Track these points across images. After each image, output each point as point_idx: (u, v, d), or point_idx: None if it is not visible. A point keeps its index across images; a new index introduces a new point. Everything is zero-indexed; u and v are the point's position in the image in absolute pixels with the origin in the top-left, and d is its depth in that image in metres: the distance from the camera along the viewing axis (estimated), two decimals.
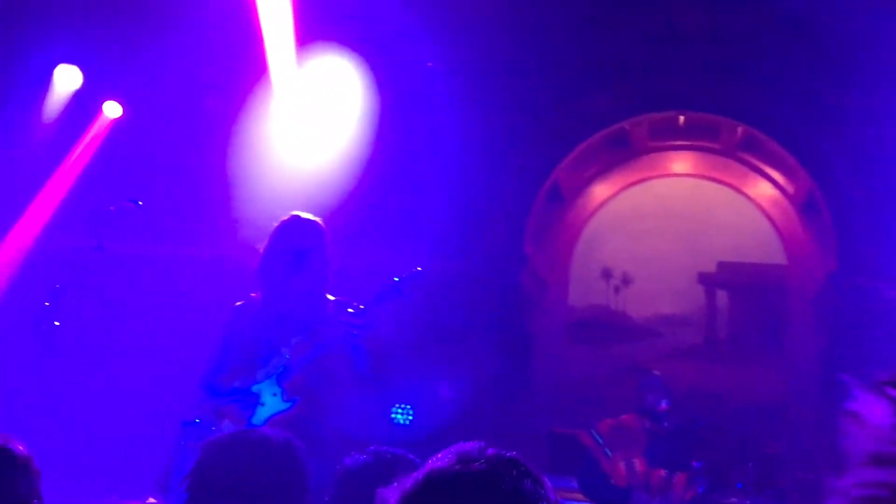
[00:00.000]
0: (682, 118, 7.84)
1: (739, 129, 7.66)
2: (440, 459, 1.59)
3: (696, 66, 7.27)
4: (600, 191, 8.25)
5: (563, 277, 8.12)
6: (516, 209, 7.48)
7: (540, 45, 7.24)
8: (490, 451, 1.58)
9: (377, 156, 7.20)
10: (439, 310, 7.01)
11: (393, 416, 7.17)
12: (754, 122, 7.42)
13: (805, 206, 7.65)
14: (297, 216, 4.42)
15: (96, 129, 7.36)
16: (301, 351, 4.27)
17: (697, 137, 8.00)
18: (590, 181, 8.20)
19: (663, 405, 6.29)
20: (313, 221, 4.41)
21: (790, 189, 7.78)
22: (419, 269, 4.24)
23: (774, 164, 7.80)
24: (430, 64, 7.30)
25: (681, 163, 8.19)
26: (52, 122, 7.35)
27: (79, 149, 7.32)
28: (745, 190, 8.02)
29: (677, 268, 7.98)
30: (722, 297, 8.01)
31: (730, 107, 7.41)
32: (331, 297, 4.32)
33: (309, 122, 7.18)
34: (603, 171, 8.19)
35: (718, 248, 7.98)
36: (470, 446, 1.60)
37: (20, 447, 1.97)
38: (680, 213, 8.06)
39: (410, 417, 7.16)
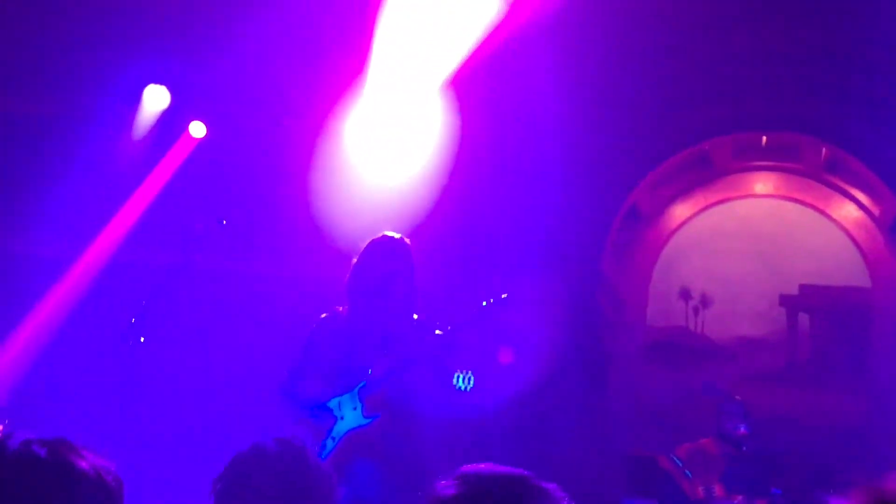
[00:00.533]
0: (764, 138, 7.84)
1: (823, 150, 7.62)
2: (446, 487, 1.67)
3: (778, 85, 7.27)
4: (680, 211, 8.24)
5: (642, 298, 8.13)
6: (595, 229, 7.52)
7: (622, 67, 7.25)
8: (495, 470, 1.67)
9: (458, 176, 7.24)
10: (525, 328, 7.03)
11: (455, 383, 7.19)
12: (839, 143, 7.39)
13: (891, 229, 7.61)
14: (388, 236, 4.47)
15: (180, 147, 7.49)
16: (384, 368, 4.30)
17: (780, 158, 7.99)
18: (670, 201, 8.21)
19: (742, 430, 6.33)
20: (403, 241, 4.46)
21: (875, 211, 7.73)
22: (505, 295, 4.26)
23: (859, 185, 7.76)
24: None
25: (763, 183, 8.15)
26: (140, 140, 7.52)
27: (162, 166, 7.47)
28: (829, 211, 7.99)
29: (758, 290, 7.97)
30: (804, 320, 7.98)
31: (813, 126, 7.39)
32: (416, 317, 4.37)
33: (393, 140, 7.26)
34: (683, 191, 8.19)
35: (800, 271, 7.96)
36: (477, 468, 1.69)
37: (85, 461, 1.80)
38: (761, 234, 8.04)
39: (472, 384, 7.18)
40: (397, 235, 4.50)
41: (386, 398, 4.33)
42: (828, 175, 7.87)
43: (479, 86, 7.34)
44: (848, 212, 7.95)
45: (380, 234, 4.52)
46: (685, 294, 8.09)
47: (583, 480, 6.99)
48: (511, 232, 7.20)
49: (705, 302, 8.05)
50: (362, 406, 4.40)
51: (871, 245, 7.85)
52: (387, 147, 7.28)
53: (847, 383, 7.71)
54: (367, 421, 4.40)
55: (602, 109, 7.34)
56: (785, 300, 7.96)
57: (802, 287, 7.96)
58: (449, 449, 5.47)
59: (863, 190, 7.76)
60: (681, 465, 6.37)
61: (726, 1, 7.12)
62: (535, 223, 7.23)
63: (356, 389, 4.38)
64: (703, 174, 8.10)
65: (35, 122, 7.58)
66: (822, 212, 7.99)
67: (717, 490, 6.28)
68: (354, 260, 4.45)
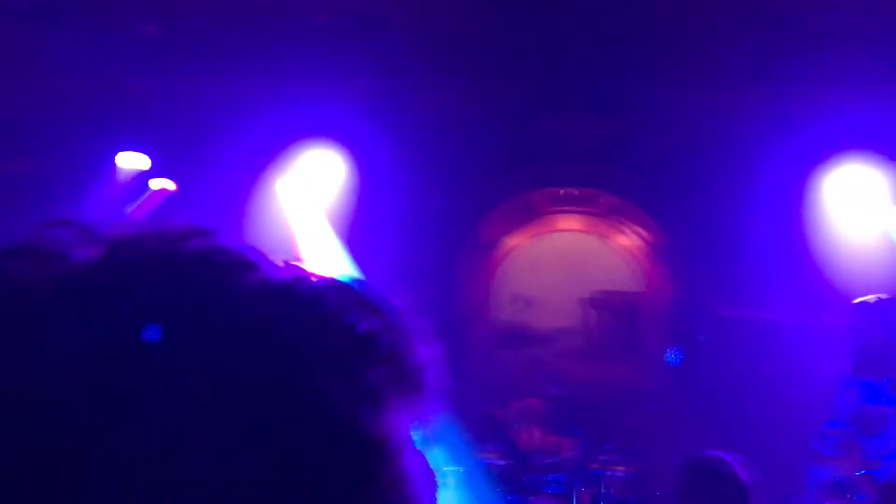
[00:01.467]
0: (571, 190, 8.10)
1: (609, 199, 7.97)
2: None
3: (581, 152, 7.48)
4: (513, 241, 8.46)
5: (489, 303, 8.29)
6: (453, 257, 7.71)
7: (468, 141, 7.51)
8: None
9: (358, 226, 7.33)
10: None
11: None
12: (621, 193, 7.72)
13: (655, 252, 7.96)
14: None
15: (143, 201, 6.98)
16: None
17: (580, 204, 8.23)
18: (505, 234, 8.39)
19: (555, 390, 6.89)
20: None
21: (645, 240, 8.09)
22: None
23: (634, 222, 8.08)
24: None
25: (569, 221, 8.41)
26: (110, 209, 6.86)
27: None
28: (614, 241, 8.33)
29: (566, 294, 8.18)
30: (597, 315, 8.23)
31: (604, 182, 7.72)
32: None
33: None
34: (514, 227, 8.39)
35: (596, 281, 8.20)
36: None
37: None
38: (568, 256, 8.24)
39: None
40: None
41: None
42: (614, 216, 8.17)
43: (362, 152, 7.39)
44: (626, 240, 8.27)
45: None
46: (517, 298, 8.27)
47: (449, 433, 7.36)
48: (400, 264, 7.19)
49: (530, 303, 8.23)
50: None
51: (644, 262, 8.16)
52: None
53: (627, 358, 8.01)
54: None
55: (459, 172, 7.50)
56: (584, 301, 8.24)
57: (597, 292, 8.23)
58: None
59: (637, 226, 8.09)
60: (512, 418, 6.79)
61: (523, 92, 7.13)
62: (412, 255, 7.34)
63: None
64: (528, 215, 8.30)
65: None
66: (609, 239, 8.32)
67: (537, 434, 6.72)
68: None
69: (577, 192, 8.07)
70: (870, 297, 4.29)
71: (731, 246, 6.99)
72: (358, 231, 7.41)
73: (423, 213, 7.45)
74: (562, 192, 8.00)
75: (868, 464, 4.07)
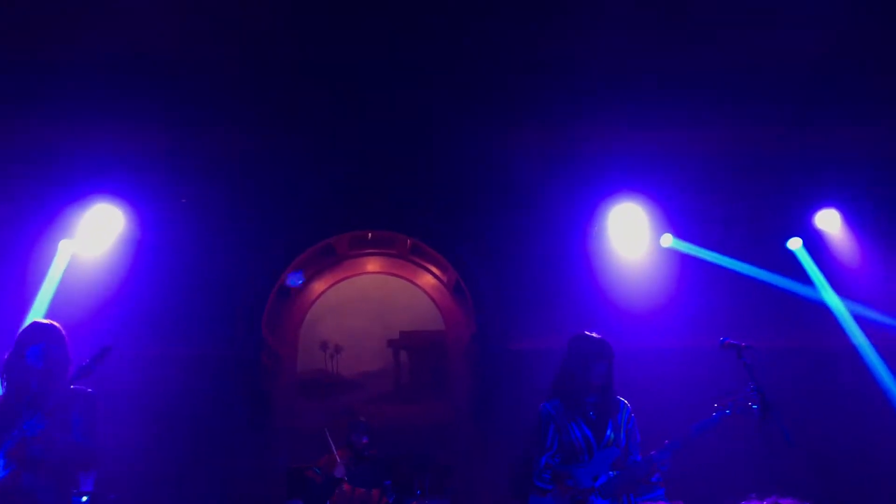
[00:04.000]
0: (370, 234, 7.96)
1: (409, 241, 7.86)
2: None
3: (379, 196, 7.38)
4: (317, 286, 8.19)
5: (293, 351, 7.96)
6: (256, 303, 7.33)
7: (263, 189, 7.23)
8: None
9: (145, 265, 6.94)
10: (202, 380, 6.80)
11: None
12: (418, 236, 7.63)
13: (455, 290, 7.95)
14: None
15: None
16: None
17: (382, 246, 8.11)
18: (309, 279, 8.10)
19: (364, 440, 6.57)
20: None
21: (444, 278, 8.08)
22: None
23: (433, 262, 8.07)
24: (183, 200, 7.17)
25: (372, 264, 8.27)
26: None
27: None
28: (416, 280, 8.24)
29: (373, 337, 8.04)
30: (404, 355, 8.10)
31: (402, 225, 7.60)
32: None
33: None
34: (318, 272, 8.12)
35: (400, 321, 8.09)
36: None
37: None
38: (373, 298, 8.11)
39: None
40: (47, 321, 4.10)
41: None
42: (413, 256, 8.12)
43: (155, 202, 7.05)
44: (428, 280, 8.23)
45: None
46: (324, 345, 8.00)
47: (253, 489, 6.94)
48: (195, 308, 6.93)
49: (338, 349, 7.99)
50: None
51: (444, 301, 8.16)
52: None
53: (434, 396, 7.96)
54: None
55: (257, 217, 7.25)
56: (391, 343, 8.09)
57: (402, 333, 8.12)
58: None
59: (436, 266, 8.08)
60: (319, 472, 6.38)
61: (320, 137, 7.00)
62: (213, 301, 7.05)
63: None
64: (330, 260, 8.06)
65: None
66: (411, 281, 8.22)
67: (346, 487, 6.32)
68: None
69: (378, 235, 7.99)
70: (584, 333, 4.49)
71: (524, 279, 7.12)
72: (154, 284, 6.93)
73: (222, 264, 7.10)
74: (370, 235, 7.91)
75: (581, 492, 4.26)
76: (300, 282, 6.58)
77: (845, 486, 6.18)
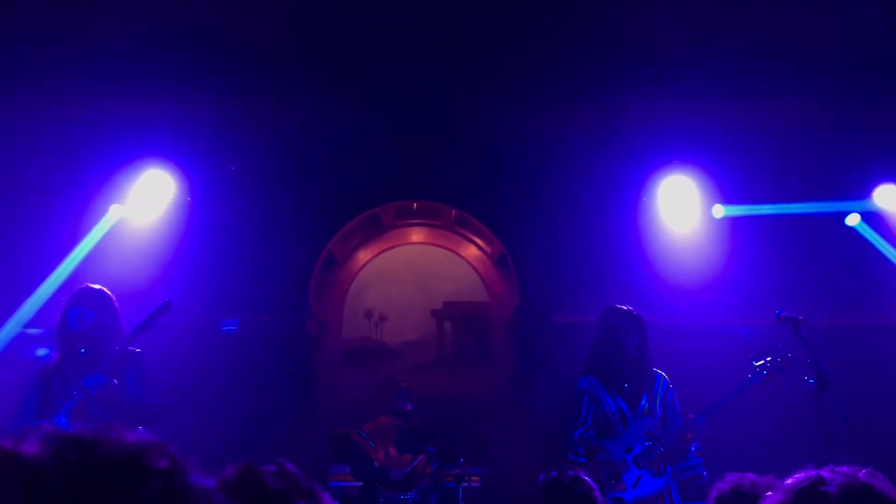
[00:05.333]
0: (415, 204, 7.92)
1: (454, 211, 7.82)
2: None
3: (425, 167, 7.35)
4: (362, 255, 8.16)
5: (338, 319, 7.97)
6: (302, 272, 7.33)
7: (310, 158, 7.18)
8: None
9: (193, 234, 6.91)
10: (249, 348, 6.85)
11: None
12: (463, 206, 7.59)
13: (499, 262, 7.89)
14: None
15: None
16: None
17: (426, 217, 8.08)
18: (355, 249, 8.10)
19: (408, 407, 6.53)
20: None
21: (489, 250, 8.02)
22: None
23: (477, 234, 8.01)
24: (232, 168, 7.16)
25: (417, 234, 8.23)
26: None
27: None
28: (460, 251, 8.18)
29: (416, 307, 7.98)
30: (447, 326, 8.06)
31: (446, 196, 7.56)
32: None
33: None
34: (363, 241, 8.09)
35: (443, 292, 8.04)
36: None
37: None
38: (417, 269, 8.06)
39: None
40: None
41: None
42: (458, 228, 8.08)
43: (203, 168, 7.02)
44: (472, 251, 8.18)
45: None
46: (368, 314, 7.99)
47: (301, 454, 6.94)
48: (250, 284, 6.94)
49: (382, 318, 7.98)
50: None
51: (488, 273, 8.11)
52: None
53: (477, 367, 7.91)
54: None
55: (304, 186, 7.21)
56: (434, 313, 8.06)
57: (445, 303, 8.07)
58: None
59: (480, 237, 8.03)
60: (366, 437, 6.42)
61: (366, 109, 6.93)
62: (260, 270, 7.03)
63: None
64: (376, 230, 8.06)
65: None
66: (455, 252, 8.17)
67: (393, 452, 6.34)
68: None
69: (423, 206, 7.94)
70: (615, 306, 4.51)
71: (569, 252, 7.04)
72: (203, 253, 6.91)
73: (269, 233, 7.06)
74: (415, 205, 7.86)
75: (613, 465, 4.28)
76: (234, 329, 6.55)
77: None
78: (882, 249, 6.71)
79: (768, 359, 4.29)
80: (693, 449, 4.38)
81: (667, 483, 4.34)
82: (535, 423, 6.69)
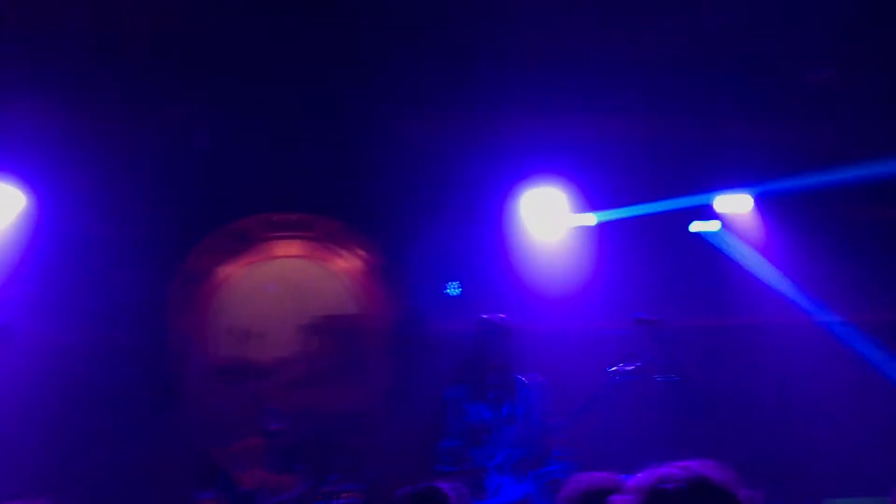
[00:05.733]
0: (288, 216, 7.77)
1: (327, 223, 7.71)
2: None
3: (297, 177, 7.22)
4: (231, 270, 7.90)
5: (204, 336, 7.70)
6: (162, 287, 7.13)
7: (167, 167, 6.96)
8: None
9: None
10: (107, 367, 6.54)
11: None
12: (338, 217, 7.54)
13: (373, 273, 7.83)
14: None
15: None
16: None
17: (299, 229, 7.92)
18: (221, 262, 7.83)
19: (276, 425, 6.33)
20: None
21: (363, 261, 7.92)
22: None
23: (351, 245, 7.90)
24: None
25: (288, 247, 8.02)
26: None
27: None
28: (334, 264, 8.02)
29: (289, 321, 7.79)
30: (321, 340, 7.90)
31: (320, 207, 7.48)
32: None
33: None
34: (231, 254, 7.84)
35: (317, 305, 7.87)
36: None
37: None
38: (289, 282, 7.85)
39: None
40: None
41: None
42: (331, 240, 7.93)
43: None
44: (346, 263, 8.01)
45: None
46: (238, 330, 7.75)
47: (165, 480, 6.65)
48: (102, 291, 6.62)
49: (253, 333, 7.75)
50: None
51: (362, 284, 7.96)
52: None
53: (351, 381, 7.78)
54: None
55: (164, 202, 6.96)
56: (308, 327, 7.87)
57: (318, 317, 7.90)
58: None
59: (354, 249, 7.91)
60: (232, 459, 6.25)
61: (232, 112, 6.79)
62: (117, 285, 6.74)
63: None
64: (243, 243, 7.83)
65: None
66: (329, 264, 8.01)
67: (260, 474, 6.20)
68: None
69: (293, 218, 7.79)
70: (483, 316, 4.65)
71: (443, 262, 7.14)
72: (45, 271, 6.62)
73: (121, 246, 6.85)
74: (287, 217, 7.75)
75: (477, 473, 4.39)
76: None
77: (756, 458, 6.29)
78: (729, 253, 7.04)
79: (627, 363, 4.55)
80: (555, 454, 4.49)
81: (529, 489, 4.43)
82: (411, 435, 6.67)
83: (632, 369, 4.45)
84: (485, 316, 4.67)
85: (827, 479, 6.41)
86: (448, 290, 7.20)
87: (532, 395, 4.62)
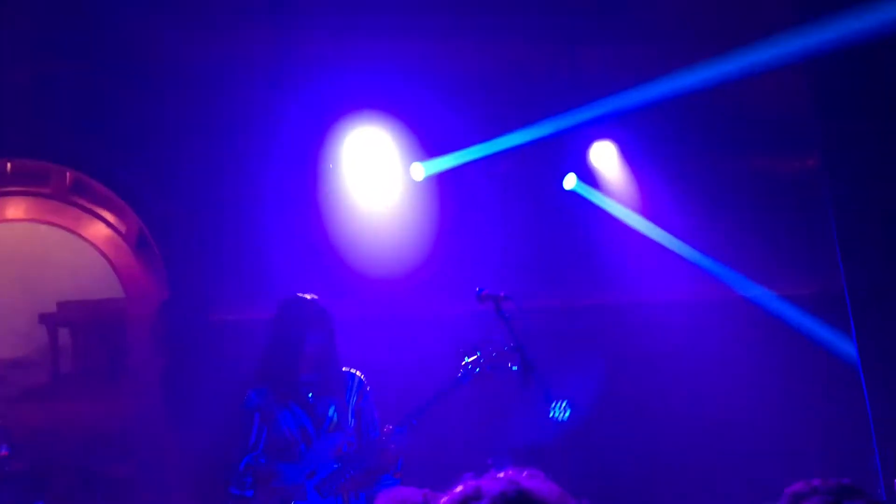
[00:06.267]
0: (9, 165, 7.34)
1: (69, 175, 7.34)
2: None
3: (21, 113, 6.89)
4: None
5: None
6: None
7: None
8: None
9: None
10: None
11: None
12: (82, 168, 7.18)
13: (137, 244, 7.60)
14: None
15: None
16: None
17: (28, 183, 7.53)
18: None
19: (3, 451, 5.95)
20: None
21: (122, 228, 7.68)
22: None
23: (105, 206, 7.63)
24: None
25: (12, 208, 7.66)
26: None
27: None
28: (80, 231, 7.73)
29: (17, 310, 7.52)
30: (64, 335, 7.69)
31: (57, 153, 7.10)
32: None
33: None
34: None
35: (58, 289, 7.61)
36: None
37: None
38: (15, 257, 7.56)
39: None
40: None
41: None
42: (76, 197, 7.62)
43: None
44: (98, 230, 7.76)
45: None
46: None
47: None
48: None
49: None
50: None
51: (122, 259, 7.74)
52: None
53: (108, 390, 7.58)
54: None
55: None
56: (44, 318, 7.61)
57: (60, 304, 7.64)
58: None
59: (110, 210, 7.65)
60: None
61: None
62: None
63: None
64: None
65: None
66: (74, 232, 7.71)
67: None
68: None
69: (22, 167, 7.40)
70: (296, 296, 4.67)
71: (234, 231, 7.06)
72: None
73: None
74: (8, 166, 7.34)
75: (288, 491, 4.43)
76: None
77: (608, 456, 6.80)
78: (601, 211, 7.35)
79: (479, 354, 4.50)
80: (392, 470, 4.53)
81: None
82: (192, 454, 6.66)
83: (492, 361, 4.43)
84: (295, 296, 4.64)
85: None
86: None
87: (363, 394, 4.64)
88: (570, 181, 7.33)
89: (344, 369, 4.66)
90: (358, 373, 4.69)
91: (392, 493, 2.44)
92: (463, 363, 4.52)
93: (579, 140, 7.40)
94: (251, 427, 4.50)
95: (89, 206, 7.68)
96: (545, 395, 4.25)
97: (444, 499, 1.53)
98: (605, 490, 5.75)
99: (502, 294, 4.44)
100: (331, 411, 4.53)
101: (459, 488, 1.53)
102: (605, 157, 7.47)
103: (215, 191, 7.06)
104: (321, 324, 4.51)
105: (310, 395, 4.54)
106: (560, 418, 4.29)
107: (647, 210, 7.42)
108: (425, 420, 4.46)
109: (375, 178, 7.18)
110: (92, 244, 7.77)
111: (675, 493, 6.89)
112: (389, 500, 2.42)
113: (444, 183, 7.24)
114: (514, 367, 4.33)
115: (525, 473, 1.56)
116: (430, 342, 6.52)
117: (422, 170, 7.12)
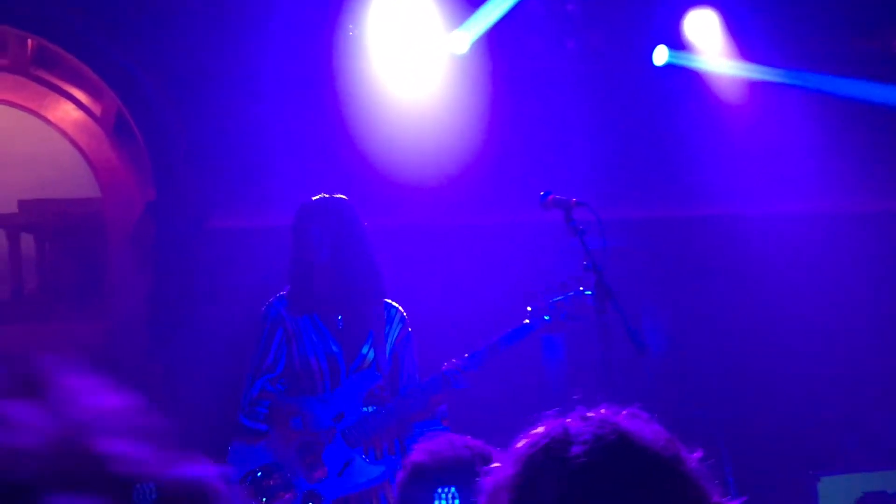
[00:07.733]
0: None
1: (31, 42, 7.30)
2: None
3: None
4: None
5: None
6: None
7: None
8: None
9: None
10: None
11: None
12: (46, 34, 7.09)
13: (115, 130, 7.58)
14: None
15: None
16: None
17: None
18: None
19: None
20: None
21: (96, 110, 7.66)
22: None
23: (76, 82, 7.60)
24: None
25: None
26: None
27: None
28: (44, 113, 7.69)
29: None
30: (27, 241, 7.72)
31: (14, 15, 7.00)
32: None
33: None
34: None
35: (18, 185, 7.60)
36: None
37: None
38: None
39: None
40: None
41: None
42: (40, 72, 7.59)
43: None
44: (66, 112, 7.74)
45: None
46: None
47: None
48: None
49: None
50: None
51: (96, 149, 7.76)
52: None
53: (82, 310, 7.66)
54: None
55: None
56: (4, 221, 7.63)
57: (22, 203, 7.65)
58: None
59: (80, 87, 7.62)
60: None
61: None
62: None
63: None
64: None
65: None
66: (36, 113, 7.67)
67: None
68: None
69: None
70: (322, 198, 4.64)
71: (233, 116, 7.11)
72: None
73: None
74: None
75: (313, 437, 4.49)
76: None
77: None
78: (700, 95, 7.27)
79: (555, 298, 4.45)
80: (440, 415, 4.54)
81: (389, 471, 4.39)
82: (182, 385, 6.75)
83: (567, 309, 4.39)
84: (317, 197, 4.58)
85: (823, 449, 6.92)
86: None
87: (405, 335, 4.61)
88: (661, 55, 7.19)
89: (386, 300, 4.63)
90: (399, 306, 4.64)
91: (434, 444, 2.51)
92: (535, 308, 4.49)
93: (673, 5, 7.29)
94: (271, 343, 4.47)
95: (55, 81, 7.66)
96: (625, 327, 4.08)
97: (523, 442, 1.49)
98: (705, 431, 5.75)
99: (573, 200, 4.26)
100: (367, 344, 4.50)
101: (540, 429, 1.49)
102: (704, 28, 7.36)
103: (213, 62, 7.07)
104: (325, 218, 4.44)
105: (339, 317, 4.49)
106: None
107: (756, 97, 7.30)
108: (485, 364, 4.44)
109: (408, 50, 7.03)
110: (59, 129, 7.74)
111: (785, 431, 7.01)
112: (427, 454, 2.49)
113: (496, 57, 7.10)
114: (588, 293, 4.24)
115: (624, 413, 1.51)
116: (482, 262, 6.53)
117: (467, 38, 6.90)
